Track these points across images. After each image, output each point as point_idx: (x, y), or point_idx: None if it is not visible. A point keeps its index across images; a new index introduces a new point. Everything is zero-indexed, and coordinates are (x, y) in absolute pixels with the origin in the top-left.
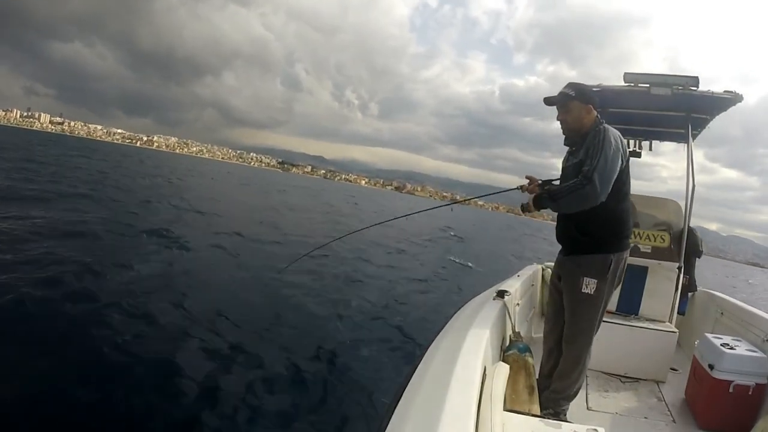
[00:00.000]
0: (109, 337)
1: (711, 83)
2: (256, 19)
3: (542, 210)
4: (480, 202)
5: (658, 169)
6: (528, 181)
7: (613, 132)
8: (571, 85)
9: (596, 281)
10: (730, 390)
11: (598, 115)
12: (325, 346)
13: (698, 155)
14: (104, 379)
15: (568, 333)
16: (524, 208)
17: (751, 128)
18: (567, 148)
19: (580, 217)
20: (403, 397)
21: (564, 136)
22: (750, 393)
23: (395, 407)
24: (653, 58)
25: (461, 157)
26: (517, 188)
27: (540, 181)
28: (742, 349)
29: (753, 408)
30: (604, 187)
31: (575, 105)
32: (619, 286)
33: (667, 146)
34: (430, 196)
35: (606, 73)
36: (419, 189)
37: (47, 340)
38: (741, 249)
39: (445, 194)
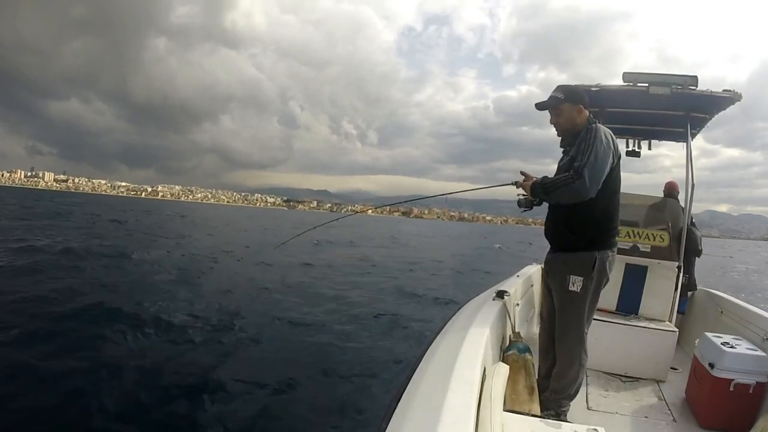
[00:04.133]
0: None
1: (701, 67)
2: (246, 60)
3: (536, 205)
4: (488, 217)
5: (661, 159)
6: (523, 177)
7: (605, 130)
8: (560, 88)
9: (582, 279)
10: (731, 389)
11: (590, 115)
12: (323, 346)
13: (697, 139)
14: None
15: (559, 331)
16: (520, 203)
17: (747, 104)
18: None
19: (569, 215)
20: (403, 397)
21: (560, 139)
22: (750, 392)
23: (395, 407)
24: (639, 50)
25: (463, 175)
26: (512, 183)
27: (534, 179)
28: (742, 347)
29: (753, 407)
30: (593, 183)
31: (566, 107)
32: (619, 286)
33: (676, 142)
34: (438, 217)
35: (594, 71)
36: (426, 212)
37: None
38: (755, 226)
39: (452, 213)
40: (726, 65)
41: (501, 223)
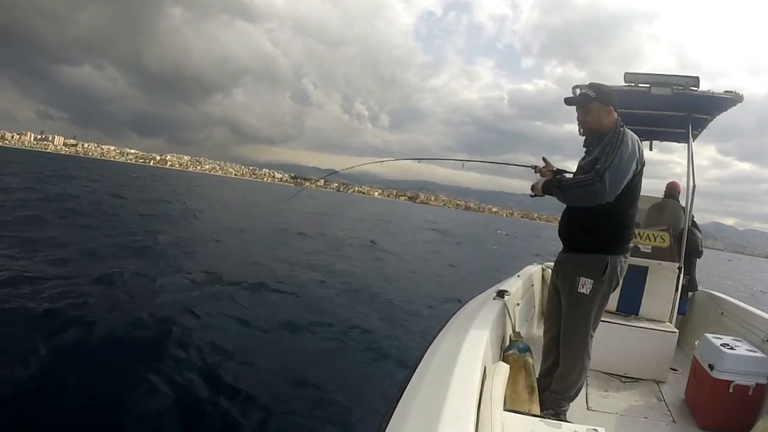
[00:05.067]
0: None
1: (720, 76)
2: (262, 35)
3: (549, 194)
4: (494, 209)
5: (672, 167)
6: (543, 163)
7: (632, 136)
8: (592, 86)
9: (592, 282)
10: (730, 390)
11: (619, 118)
12: (323, 345)
13: (710, 150)
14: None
15: (564, 332)
16: (533, 189)
17: (763, 118)
18: (582, 151)
19: (585, 215)
20: (403, 397)
21: (583, 138)
22: (750, 393)
23: (395, 407)
24: (660, 53)
25: (472, 165)
26: (531, 167)
27: (555, 168)
28: (742, 349)
29: (753, 408)
30: (613, 187)
31: (596, 106)
32: (619, 286)
33: (678, 143)
34: (444, 204)
35: (613, 71)
36: (433, 198)
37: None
38: (760, 243)
39: (458, 202)
40: (746, 76)
41: (506, 215)
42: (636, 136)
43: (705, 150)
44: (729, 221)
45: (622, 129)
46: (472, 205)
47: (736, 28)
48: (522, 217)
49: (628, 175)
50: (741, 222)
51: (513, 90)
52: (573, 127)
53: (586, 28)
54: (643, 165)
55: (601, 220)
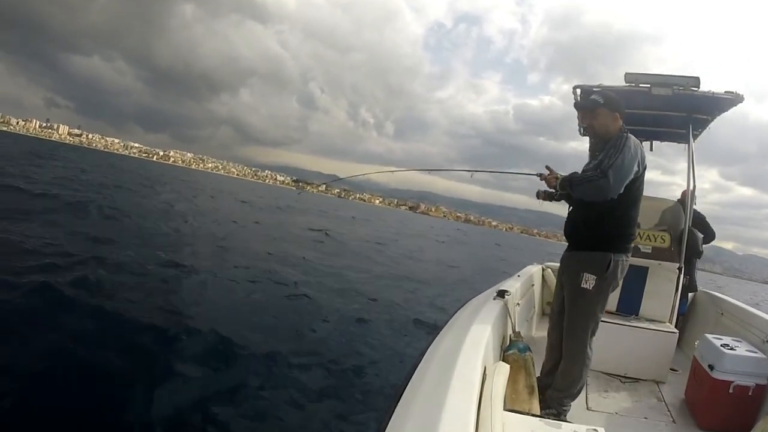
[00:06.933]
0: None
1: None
2: (272, 36)
3: (555, 199)
4: (494, 222)
5: (674, 189)
6: (548, 171)
7: (635, 140)
8: (600, 93)
9: (596, 278)
10: (730, 390)
11: (623, 124)
12: (323, 344)
13: (712, 174)
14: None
15: (567, 328)
16: (539, 195)
17: (767, 144)
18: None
19: (589, 214)
20: (403, 397)
21: (591, 143)
22: (750, 393)
23: (395, 407)
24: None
25: (475, 178)
26: (536, 174)
27: (558, 174)
28: (742, 349)
29: (753, 408)
30: (617, 184)
31: (602, 112)
32: (619, 287)
33: (682, 165)
34: (444, 216)
35: None
36: (433, 209)
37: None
38: (758, 268)
39: (459, 214)
40: (751, 103)
41: (506, 230)
42: (638, 141)
43: (708, 174)
44: (728, 245)
45: (625, 134)
46: (472, 218)
47: (741, 57)
48: (521, 232)
49: (630, 175)
50: (740, 246)
51: (518, 105)
52: (577, 145)
53: (594, 47)
54: (645, 168)
55: (604, 218)
